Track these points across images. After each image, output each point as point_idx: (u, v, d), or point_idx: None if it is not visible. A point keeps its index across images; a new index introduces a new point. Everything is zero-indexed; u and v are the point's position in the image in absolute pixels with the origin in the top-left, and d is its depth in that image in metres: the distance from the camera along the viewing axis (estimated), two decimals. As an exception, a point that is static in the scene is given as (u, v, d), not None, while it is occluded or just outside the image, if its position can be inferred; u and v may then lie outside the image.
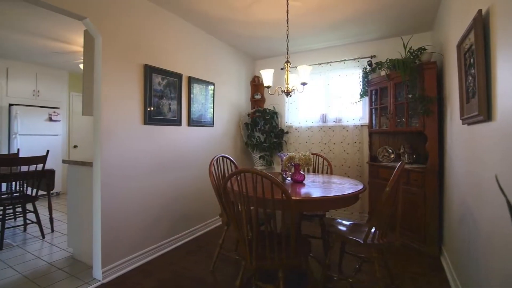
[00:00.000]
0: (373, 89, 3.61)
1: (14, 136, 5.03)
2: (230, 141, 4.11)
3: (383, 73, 3.42)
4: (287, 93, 2.39)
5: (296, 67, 2.52)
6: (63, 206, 4.80)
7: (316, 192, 1.95)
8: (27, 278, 2.36)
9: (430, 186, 2.82)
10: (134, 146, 2.62)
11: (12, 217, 3.80)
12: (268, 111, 4.27)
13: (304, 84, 2.31)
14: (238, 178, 1.64)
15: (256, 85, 4.69)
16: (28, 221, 3.59)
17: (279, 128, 4.36)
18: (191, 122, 3.31)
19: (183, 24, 3.22)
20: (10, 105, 5.09)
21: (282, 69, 4.41)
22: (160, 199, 2.89)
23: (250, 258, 1.68)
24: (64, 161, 2.87)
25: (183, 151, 3.21)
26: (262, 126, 4.29)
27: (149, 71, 2.77)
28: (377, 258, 1.96)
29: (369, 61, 3.73)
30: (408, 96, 3.04)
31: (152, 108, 2.81)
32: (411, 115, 3.12)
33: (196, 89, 3.41)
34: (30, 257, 2.79)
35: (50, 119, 5.51)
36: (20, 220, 3.88)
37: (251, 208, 1.71)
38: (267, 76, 2.35)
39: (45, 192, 3.64)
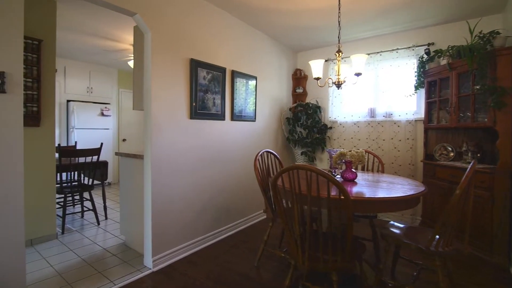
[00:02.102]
0: (430, 80, 3.28)
1: (71, 129, 5.48)
2: (272, 136, 4.04)
3: (443, 62, 3.09)
4: (338, 85, 2.24)
5: (349, 56, 2.34)
6: (115, 195, 5.13)
7: (372, 192, 1.80)
8: (86, 262, 2.54)
9: (500, 188, 2.50)
10: (181, 140, 2.67)
11: (71, 204, 4.14)
12: (311, 105, 4.12)
13: (358, 74, 2.14)
14: (290, 174, 1.56)
15: (298, 78, 4.54)
16: (85, 208, 3.88)
17: (322, 123, 4.18)
18: (234, 117, 3.30)
19: (227, 16, 3.19)
20: (68, 101, 5.54)
21: (326, 60, 4.20)
22: (204, 193, 2.93)
23: (302, 259, 1.60)
24: (116, 153, 3.03)
25: (226, 145, 3.21)
26: (304, 121, 4.15)
27: (195, 66, 2.78)
28: (441, 267, 1.77)
29: (426, 49, 3.39)
30: (475, 87, 2.71)
31: (197, 103, 2.83)
32: (478, 108, 2.78)
33: (239, 83, 3.38)
34: (88, 242, 3.00)
35: (102, 114, 5.90)
36: (77, 207, 4.22)
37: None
38: (316, 67, 2.22)
39: (99, 182, 3.90)
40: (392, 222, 2.24)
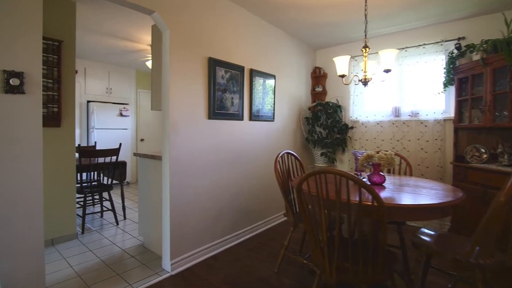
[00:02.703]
0: (461, 77, 3.07)
1: (91, 130, 5.57)
2: (290, 136, 3.93)
3: (476, 57, 2.88)
4: (365, 83, 2.11)
5: (376, 52, 2.21)
6: (133, 195, 5.17)
7: (404, 198, 1.67)
8: (105, 263, 2.53)
9: (543, 194, 2.28)
10: (199, 141, 2.61)
11: (91, 203, 4.19)
12: (331, 104, 3.98)
13: (387, 71, 2.01)
14: (316, 178, 1.45)
15: (317, 76, 4.41)
16: (104, 208, 3.92)
17: (343, 123, 4.03)
18: (252, 117, 3.22)
19: (245, 14, 3.11)
20: (88, 101, 5.64)
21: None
22: (222, 194, 2.86)
23: (329, 270, 1.49)
24: (135, 154, 3.01)
25: (244, 146, 3.13)
26: (324, 120, 4.02)
27: (213, 64, 2.72)
28: (481, 280, 1.61)
29: (457, 43, 3.18)
30: (514, 84, 2.50)
31: (216, 102, 2.77)
32: (516, 107, 2.56)
33: (258, 82, 3.30)
34: (107, 242, 3.01)
35: (121, 114, 5.97)
36: (97, 207, 4.27)
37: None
38: (341, 64, 2.10)
39: (117, 182, 3.93)
40: (423, 229, 2.09)
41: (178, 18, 2.40)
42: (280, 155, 2.43)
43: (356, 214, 1.40)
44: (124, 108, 6.03)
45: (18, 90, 1.61)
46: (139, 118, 6.53)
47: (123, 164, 3.86)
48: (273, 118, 3.57)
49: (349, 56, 2.15)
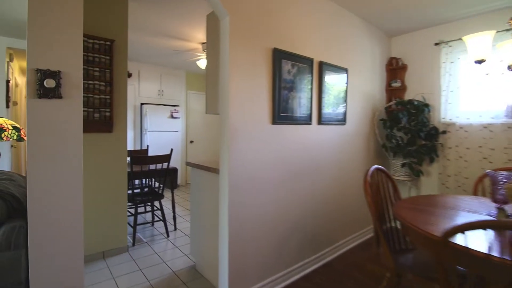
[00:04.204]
0: None
1: (144, 132, 5.53)
2: (363, 141, 3.27)
3: None
4: (516, 71, 1.43)
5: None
6: (183, 200, 4.97)
7: None
8: (155, 290, 2.21)
9: None
10: (262, 151, 2.14)
11: (143, 211, 4.03)
12: (415, 103, 3.21)
13: None
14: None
15: (394, 69, 3.66)
16: (155, 218, 3.71)
17: (431, 126, 3.23)
18: (322, 120, 2.66)
19: (315, -4, 2.57)
20: (142, 104, 5.60)
21: (437, 44, 3.24)
22: (287, 214, 2.36)
23: None
24: (187, 164, 2.67)
25: (311, 155, 2.59)
26: (405, 123, 3.27)
27: (278, 57, 2.23)
28: None
29: None
30: None
31: (281, 104, 2.28)
32: None
33: (328, 77, 2.73)
34: (157, 260, 2.72)
35: (172, 116, 5.86)
36: (148, 215, 4.09)
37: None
38: (479, 45, 1.43)
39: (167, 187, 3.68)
40: None
41: (239, 2, 1.96)
42: (370, 173, 1.84)
43: None
44: (175, 110, 5.91)
45: (54, 94, 1.30)
46: (188, 120, 6.38)
47: (174, 170, 3.60)
48: (345, 121, 2.96)
49: (493, 32, 1.46)
